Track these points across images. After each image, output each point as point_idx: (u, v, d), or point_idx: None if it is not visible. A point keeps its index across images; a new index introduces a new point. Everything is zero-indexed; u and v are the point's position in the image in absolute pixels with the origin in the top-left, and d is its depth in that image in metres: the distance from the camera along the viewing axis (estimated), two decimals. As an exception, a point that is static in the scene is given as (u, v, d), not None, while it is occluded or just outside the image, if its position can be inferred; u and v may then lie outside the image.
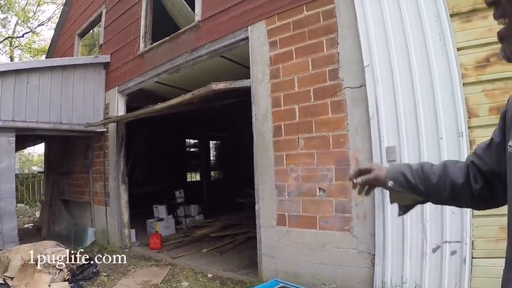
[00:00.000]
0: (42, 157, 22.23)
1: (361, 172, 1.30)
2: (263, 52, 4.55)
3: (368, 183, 1.29)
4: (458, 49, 3.08)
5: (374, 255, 3.51)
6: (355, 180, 1.29)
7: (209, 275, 5.28)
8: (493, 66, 2.92)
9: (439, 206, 3.08)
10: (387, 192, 1.28)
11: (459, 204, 1.24)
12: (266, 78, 4.49)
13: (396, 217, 3.31)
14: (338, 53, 3.79)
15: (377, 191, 3.39)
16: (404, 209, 1.28)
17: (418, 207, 1.30)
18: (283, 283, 4.00)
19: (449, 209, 3.05)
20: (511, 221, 0.89)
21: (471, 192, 1.11)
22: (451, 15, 3.12)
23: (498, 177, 1.02)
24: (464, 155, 2.95)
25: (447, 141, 3.07)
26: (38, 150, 24.54)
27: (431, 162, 1.24)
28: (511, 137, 0.92)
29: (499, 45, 0.85)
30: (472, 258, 2.99)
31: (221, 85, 4.50)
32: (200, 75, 6.04)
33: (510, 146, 0.89)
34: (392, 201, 1.28)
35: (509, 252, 0.90)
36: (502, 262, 0.92)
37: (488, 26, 2.88)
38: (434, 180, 1.16)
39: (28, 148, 15.60)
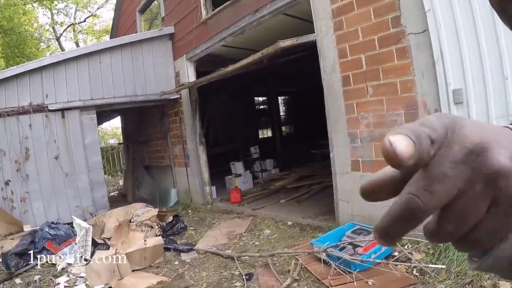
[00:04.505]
0: (116, 130, 24.15)
1: None
2: (324, 6, 4.81)
3: None
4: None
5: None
6: None
7: (289, 223, 5.82)
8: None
9: None
10: None
11: None
12: (330, 30, 4.79)
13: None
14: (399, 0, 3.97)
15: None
16: None
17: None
18: (359, 225, 4.49)
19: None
20: None
21: None
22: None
23: None
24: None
25: (513, 81, 3.21)
26: (112, 124, 26.84)
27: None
28: None
29: None
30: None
31: (288, 42, 4.88)
32: (264, 34, 6.43)
33: None
34: None
35: None
36: None
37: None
38: None
39: (104, 124, 17.08)
